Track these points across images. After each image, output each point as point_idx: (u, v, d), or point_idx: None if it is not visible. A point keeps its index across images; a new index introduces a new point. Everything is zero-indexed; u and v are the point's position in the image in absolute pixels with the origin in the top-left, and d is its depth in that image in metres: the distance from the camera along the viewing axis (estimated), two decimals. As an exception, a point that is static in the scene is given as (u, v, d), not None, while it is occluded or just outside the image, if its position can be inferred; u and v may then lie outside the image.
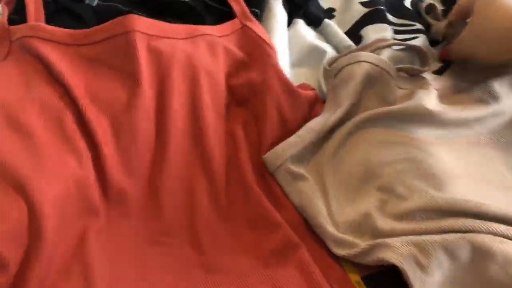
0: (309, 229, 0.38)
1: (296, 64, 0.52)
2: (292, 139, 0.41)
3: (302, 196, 0.38)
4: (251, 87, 0.43)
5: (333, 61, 0.48)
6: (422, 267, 0.33)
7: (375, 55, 0.47)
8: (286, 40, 0.53)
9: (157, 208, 0.37)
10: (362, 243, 0.35)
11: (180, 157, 0.38)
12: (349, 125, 0.42)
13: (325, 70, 0.48)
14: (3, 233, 0.30)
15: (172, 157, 0.38)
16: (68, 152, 0.35)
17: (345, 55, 0.47)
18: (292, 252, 0.35)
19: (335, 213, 0.38)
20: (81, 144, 0.36)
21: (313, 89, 0.48)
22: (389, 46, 0.51)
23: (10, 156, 0.33)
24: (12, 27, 0.43)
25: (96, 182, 0.36)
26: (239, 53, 0.46)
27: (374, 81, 0.45)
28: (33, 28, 0.42)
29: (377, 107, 0.43)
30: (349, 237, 0.36)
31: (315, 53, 0.52)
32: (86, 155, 0.36)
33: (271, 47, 0.47)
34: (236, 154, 0.40)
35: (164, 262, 0.34)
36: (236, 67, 0.45)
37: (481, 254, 0.32)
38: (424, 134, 0.42)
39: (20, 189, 0.32)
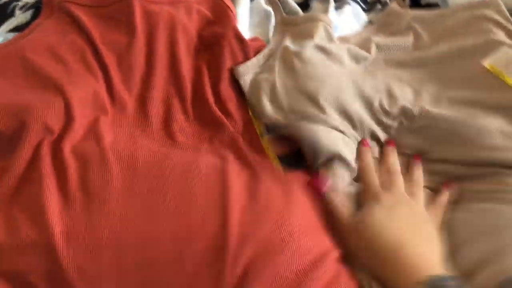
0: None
1: (254, 24, 0.71)
2: (251, 60, 0.62)
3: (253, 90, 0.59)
4: (214, 36, 0.62)
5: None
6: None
7: (327, 16, 0.67)
8: (247, 9, 0.71)
9: (145, 112, 0.56)
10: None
11: (161, 80, 0.58)
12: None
13: (284, 18, 0.69)
14: (49, 113, 0.50)
15: (155, 80, 0.57)
16: (89, 73, 0.55)
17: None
18: (231, 140, 0.55)
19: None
20: (97, 70, 0.56)
21: (262, 40, 0.66)
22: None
23: (54, 74, 0.54)
24: (54, -5, 0.64)
25: (106, 93, 0.56)
26: (208, 14, 0.65)
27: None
28: (67, -4, 0.63)
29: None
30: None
31: (266, 15, 0.71)
32: (100, 76, 0.56)
33: (233, 12, 0.66)
34: (201, 81, 0.59)
35: (148, 142, 0.54)
36: (205, 24, 0.64)
37: None
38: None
39: (60, 92, 0.52)
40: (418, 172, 0.56)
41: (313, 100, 0.56)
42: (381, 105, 0.59)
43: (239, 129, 0.57)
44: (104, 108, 0.54)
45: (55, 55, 0.56)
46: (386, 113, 0.59)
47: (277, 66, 0.60)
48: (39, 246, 0.44)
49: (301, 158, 0.55)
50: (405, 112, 0.58)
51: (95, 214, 0.45)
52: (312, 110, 0.56)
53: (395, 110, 0.59)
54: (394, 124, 0.59)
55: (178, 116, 0.57)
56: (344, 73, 0.61)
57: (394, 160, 0.56)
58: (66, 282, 0.43)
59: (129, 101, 0.56)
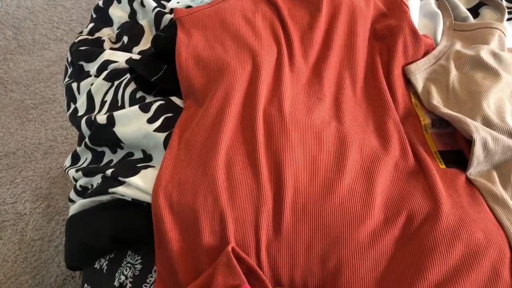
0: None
1: (422, 23, 0.72)
2: (422, 60, 0.63)
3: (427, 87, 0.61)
4: (388, 29, 0.65)
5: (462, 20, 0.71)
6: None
7: (503, 25, 0.67)
8: (418, 6, 0.73)
9: (319, 81, 0.60)
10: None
11: (337, 58, 0.62)
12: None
13: (456, 24, 0.70)
14: (243, 74, 0.56)
15: (331, 56, 0.61)
16: (274, 41, 0.61)
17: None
18: (394, 126, 0.57)
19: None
20: (282, 40, 0.62)
21: (431, 38, 0.68)
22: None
23: (248, 37, 0.60)
24: (245, -31, 0.71)
25: (288, 62, 0.61)
26: (384, 8, 0.68)
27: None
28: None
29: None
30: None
31: (434, 16, 0.72)
32: (284, 45, 0.61)
33: (407, 7, 0.68)
34: (373, 65, 0.62)
35: (318, 109, 0.58)
36: (380, 16, 0.67)
37: None
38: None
39: (252, 54, 0.58)
40: None
41: (480, 105, 0.57)
42: None
43: (402, 117, 0.60)
44: (285, 75, 0.60)
45: (250, 21, 0.62)
46: None
47: (452, 69, 0.62)
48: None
49: (462, 156, 0.57)
50: None
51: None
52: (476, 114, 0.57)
53: None
54: None
55: (347, 93, 0.60)
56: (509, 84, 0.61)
57: None
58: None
59: (306, 71, 0.61)
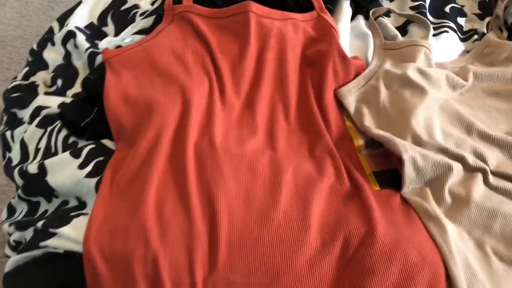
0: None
1: (353, 45, 0.74)
2: (353, 82, 0.64)
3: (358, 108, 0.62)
4: (318, 53, 0.66)
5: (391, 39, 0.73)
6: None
7: (428, 42, 0.69)
8: (348, 28, 0.75)
9: (251, 112, 0.60)
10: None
11: (268, 89, 0.62)
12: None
13: (385, 43, 0.72)
14: (173, 110, 0.56)
15: (263, 86, 0.62)
16: (205, 76, 0.61)
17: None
18: (328, 151, 0.58)
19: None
20: (213, 74, 0.62)
21: (361, 60, 0.69)
22: (386, 13, 0.77)
23: (177, 73, 0.60)
24: (174, 5, 0.71)
25: (219, 95, 0.61)
26: (313, 33, 0.69)
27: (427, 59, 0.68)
28: (188, 6, 0.69)
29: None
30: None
31: (365, 35, 0.74)
32: (215, 79, 0.61)
33: (336, 31, 0.70)
34: (305, 92, 0.63)
35: (251, 140, 0.58)
36: (310, 42, 0.68)
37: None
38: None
39: (182, 89, 0.58)
40: None
41: (409, 123, 0.58)
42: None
43: (336, 140, 0.60)
44: (216, 109, 0.59)
45: (179, 57, 0.62)
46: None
47: (381, 89, 0.63)
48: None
49: (397, 175, 0.57)
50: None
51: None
52: (408, 132, 0.58)
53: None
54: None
55: (281, 122, 0.61)
56: (439, 98, 0.63)
57: None
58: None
59: (238, 104, 0.61)
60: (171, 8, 0.71)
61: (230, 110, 0.61)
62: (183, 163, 0.53)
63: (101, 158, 0.58)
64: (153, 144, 0.54)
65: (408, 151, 0.54)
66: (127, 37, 0.69)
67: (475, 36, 0.78)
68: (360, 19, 0.77)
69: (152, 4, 0.81)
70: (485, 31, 0.78)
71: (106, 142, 0.60)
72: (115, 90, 0.60)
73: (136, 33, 0.71)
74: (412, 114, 0.59)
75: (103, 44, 0.69)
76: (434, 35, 0.75)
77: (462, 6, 0.82)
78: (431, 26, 0.74)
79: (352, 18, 0.78)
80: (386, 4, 0.82)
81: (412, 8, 0.79)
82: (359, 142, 0.60)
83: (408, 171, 0.54)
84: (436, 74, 0.65)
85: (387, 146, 0.56)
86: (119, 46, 0.69)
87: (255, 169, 0.54)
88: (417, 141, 0.57)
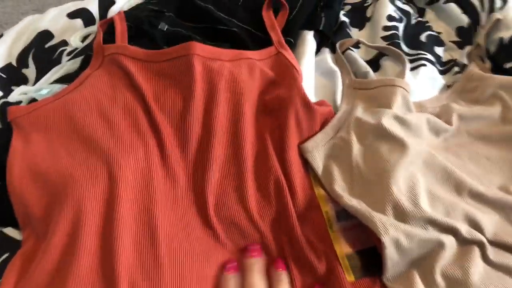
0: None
1: (318, 84, 0.64)
2: (319, 134, 0.54)
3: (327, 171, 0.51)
4: (278, 101, 0.55)
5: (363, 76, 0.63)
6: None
7: (405, 81, 0.59)
8: (313, 64, 0.64)
9: (200, 192, 0.49)
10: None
11: (220, 151, 0.51)
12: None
13: (355, 82, 0.61)
14: (93, 191, 0.44)
15: (214, 152, 0.50)
16: (140, 141, 0.49)
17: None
18: (290, 228, 0.47)
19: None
20: (149, 137, 0.50)
21: (329, 105, 0.59)
22: (355, 45, 0.69)
23: (103, 141, 0.48)
24: (105, 45, 0.59)
25: (159, 164, 0.49)
26: (271, 74, 0.58)
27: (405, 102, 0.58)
28: (120, 47, 0.57)
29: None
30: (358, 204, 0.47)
31: (332, 73, 0.64)
32: (153, 145, 0.49)
33: (298, 72, 0.59)
34: (264, 150, 0.52)
35: (198, 233, 0.47)
36: (268, 85, 0.57)
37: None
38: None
39: (107, 162, 0.46)
40: None
41: (388, 189, 0.48)
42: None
43: (301, 212, 0.50)
44: (156, 182, 0.47)
45: (105, 117, 0.50)
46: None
47: (353, 143, 0.53)
48: None
49: (376, 253, 0.47)
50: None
51: None
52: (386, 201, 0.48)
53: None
54: None
55: (233, 203, 0.49)
56: (422, 152, 0.53)
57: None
58: None
59: (183, 175, 0.49)
60: (101, 48, 0.59)
61: (174, 184, 0.49)
62: (111, 272, 0.41)
63: (5, 256, 0.45)
64: (70, 240, 0.42)
65: (389, 232, 0.44)
66: (45, 86, 0.56)
67: (456, 68, 0.69)
68: (326, 53, 0.67)
69: (83, 40, 0.68)
70: (466, 62, 0.69)
71: (10, 231, 0.47)
72: (22, 161, 0.48)
73: (57, 80, 0.58)
74: (391, 176, 0.49)
75: (13, 96, 0.56)
76: (411, 69, 0.66)
77: (439, 33, 0.73)
78: (407, 59, 0.64)
79: (317, 51, 0.67)
80: (355, 34, 0.72)
81: (384, 38, 0.70)
82: (330, 212, 0.49)
83: (390, 254, 0.44)
84: (416, 120, 0.56)
85: (364, 222, 0.46)
86: (34, 99, 0.56)
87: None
88: (399, 213, 0.47)
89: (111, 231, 0.42)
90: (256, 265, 0.45)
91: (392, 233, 0.43)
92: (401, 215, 0.47)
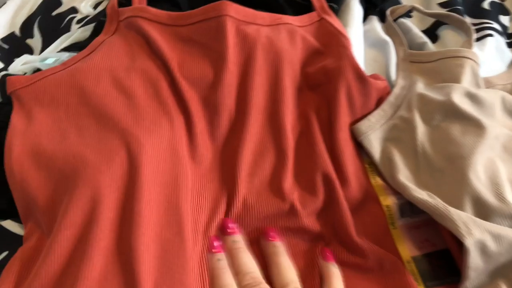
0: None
1: (368, 53, 0.55)
2: (375, 113, 0.45)
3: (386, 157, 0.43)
4: (325, 73, 0.46)
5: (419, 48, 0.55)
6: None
7: (474, 52, 0.50)
8: (361, 34, 0.55)
9: (231, 175, 0.40)
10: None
11: (256, 131, 0.43)
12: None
13: (412, 54, 0.52)
14: (107, 176, 0.36)
15: (249, 130, 0.42)
16: (164, 116, 0.41)
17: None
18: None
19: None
20: (175, 112, 0.41)
21: (384, 79, 0.50)
22: (407, 13, 0.59)
23: (118, 115, 0.40)
24: (120, 8, 0.50)
25: (186, 145, 0.41)
26: (315, 43, 0.49)
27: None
28: (139, 9, 0.49)
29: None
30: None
31: (384, 44, 0.55)
32: (179, 121, 0.41)
33: (346, 39, 0.50)
34: (308, 131, 0.43)
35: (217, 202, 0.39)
36: (312, 56, 0.48)
37: None
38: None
39: (125, 141, 0.38)
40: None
41: (466, 179, 0.39)
42: None
43: (355, 205, 0.41)
44: (183, 167, 0.39)
45: (122, 88, 0.42)
46: None
47: (417, 123, 0.44)
48: None
49: (449, 256, 0.38)
50: None
51: None
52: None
53: None
54: None
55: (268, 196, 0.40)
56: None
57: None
58: None
59: (213, 157, 0.41)
60: (116, 12, 0.50)
61: (202, 166, 0.41)
62: (131, 269, 0.33)
63: (4, 254, 0.37)
64: (79, 234, 0.34)
65: (474, 233, 0.35)
66: (51, 55, 0.48)
67: (524, 40, 0.59)
68: (375, 22, 0.58)
69: (95, 7, 0.60)
70: (536, 33, 0.60)
71: (10, 224, 0.39)
72: (23, 142, 0.39)
73: (66, 48, 0.50)
74: (469, 163, 0.40)
75: (15, 66, 0.48)
76: (475, 40, 0.56)
77: (502, 0, 0.63)
78: (472, 29, 0.55)
79: (364, 20, 0.58)
80: (406, 0, 0.62)
81: (441, 4, 0.60)
82: (391, 206, 0.41)
83: (474, 261, 0.35)
84: (489, 98, 0.46)
85: (437, 220, 0.37)
86: (38, 70, 0.48)
87: None
88: (481, 208, 0.38)
89: (131, 225, 0.34)
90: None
91: (478, 235, 0.35)
92: (483, 211, 0.38)
